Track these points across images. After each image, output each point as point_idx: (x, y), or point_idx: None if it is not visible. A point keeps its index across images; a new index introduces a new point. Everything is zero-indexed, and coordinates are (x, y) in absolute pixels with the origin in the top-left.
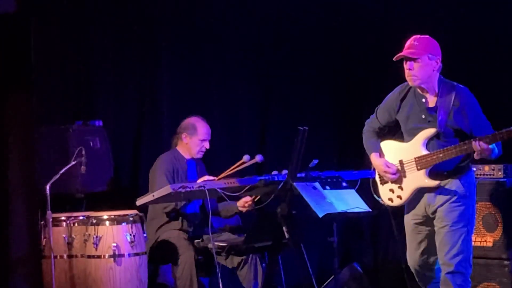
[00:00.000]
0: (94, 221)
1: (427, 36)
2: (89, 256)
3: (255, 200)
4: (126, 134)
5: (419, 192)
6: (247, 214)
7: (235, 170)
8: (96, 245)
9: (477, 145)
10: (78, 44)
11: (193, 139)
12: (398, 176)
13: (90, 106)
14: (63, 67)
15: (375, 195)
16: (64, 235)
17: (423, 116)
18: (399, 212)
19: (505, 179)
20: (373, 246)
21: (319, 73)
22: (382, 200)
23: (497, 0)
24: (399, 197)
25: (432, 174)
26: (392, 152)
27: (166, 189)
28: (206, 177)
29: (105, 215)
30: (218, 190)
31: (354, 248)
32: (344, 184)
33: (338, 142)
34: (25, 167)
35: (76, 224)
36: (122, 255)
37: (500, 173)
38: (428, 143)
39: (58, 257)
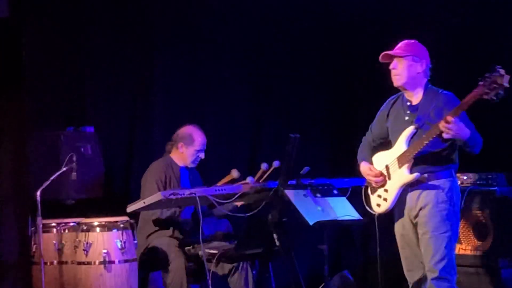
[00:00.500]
0: (85, 228)
1: (415, 40)
2: (79, 263)
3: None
4: (117, 140)
5: (403, 195)
6: (238, 221)
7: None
8: (87, 252)
9: (443, 122)
10: (70, 50)
11: (189, 149)
12: (384, 180)
13: (81, 112)
14: (55, 73)
15: (366, 206)
16: (54, 242)
17: (406, 118)
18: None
19: (495, 188)
20: (363, 254)
21: (311, 81)
22: (372, 209)
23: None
24: (385, 199)
25: (413, 171)
26: (381, 160)
27: (157, 196)
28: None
29: (95, 221)
30: (209, 197)
31: (344, 256)
32: (335, 191)
33: (329, 149)
34: (16, 173)
35: (66, 231)
36: (113, 262)
37: (490, 182)
38: (410, 143)
39: (48, 263)
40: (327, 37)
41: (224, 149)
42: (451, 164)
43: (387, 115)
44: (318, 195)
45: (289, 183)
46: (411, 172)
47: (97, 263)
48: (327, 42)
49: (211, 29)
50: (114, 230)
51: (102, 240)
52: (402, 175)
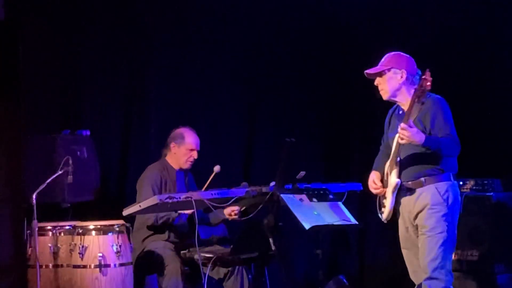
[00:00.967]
0: (80, 231)
1: (398, 52)
2: (74, 266)
3: (242, 210)
4: (113, 143)
5: (403, 199)
6: (234, 225)
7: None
8: (82, 255)
9: (399, 128)
10: (65, 54)
11: (181, 149)
12: (384, 189)
13: (77, 116)
14: (51, 76)
15: (378, 213)
16: (50, 245)
17: (399, 126)
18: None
19: (491, 194)
20: (359, 259)
21: (306, 85)
22: (381, 217)
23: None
24: (384, 206)
25: (405, 174)
26: (385, 169)
27: (153, 200)
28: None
29: (91, 225)
30: (205, 200)
31: (340, 261)
32: (331, 196)
33: (325, 154)
34: (11, 176)
35: (62, 234)
36: (108, 265)
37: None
38: (399, 149)
39: (44, 266)
40: (322, 42)
41: (219, 153)
42: (447, 167)
43: (388, 124)
44: (314, 199)
45: (285, 187)
46: (399, 177)
47: (92, 266)
48: (322, 47)
49: (206, 33)
50: (110, 234)
51: (98, 244)
52: (391, 182)
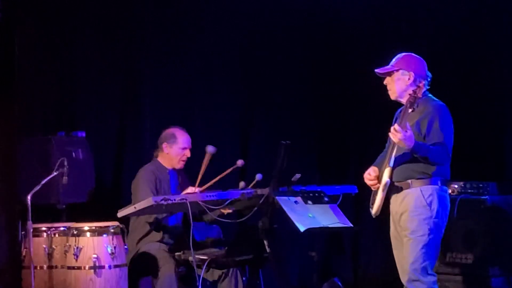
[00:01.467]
0: (75, 232)
1: (409, 53)
2: (69, 267)
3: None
4: (108, 145)
5: (392, 199)
6: (229, 228)
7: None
8: (77, 256)
9: (392, 129)
10: (61, 55)
11: (174, 148)
12: (378, 185)
13: (72, 117)
14: (46, 78)
15: (370, 208)
16: (44, 246)
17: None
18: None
19: (486, 197)
20: (354, 261)
21: (302, 87)
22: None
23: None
24: (373, 203)
25: (396, 174)
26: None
27: (148, 201)
28: (190, 189)
29: (86, 226)
30: (200, 203)
31: (335, 263)
32: (326, 199)
33: (320, 156)
34: (6, 177)
35: (56, 235)
36: (103, 267)
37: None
38: (395, 150)
39: (38, 267)
40: (317, 45)
41: (214, 155)
42: (436, 172)
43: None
44: (309, 202)
45: (280, 190)
46: (390, 177)
47: (87, 267)
48: (317, 50)
49: (201, 34)
50: (105, 235)
51: (92, 245)
52: (382, 180)
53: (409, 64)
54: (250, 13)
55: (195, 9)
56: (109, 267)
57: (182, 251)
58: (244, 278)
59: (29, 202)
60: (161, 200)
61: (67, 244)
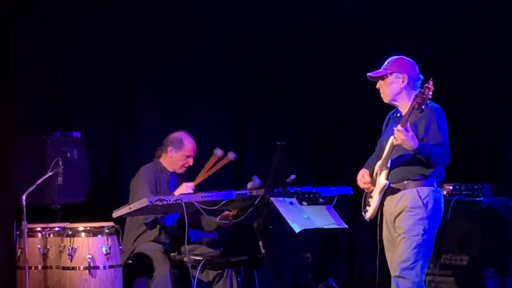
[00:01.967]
0: (70, 233)
1: (401, 56)
2: (64, 268)
3: (233, 214)
4: (104, 145)
5: (386, 201)
6: (224, 228)
7: (210, 169)
8: (71, 257)
9: (395, 129)
10: (57, 55)
11: (178, 154)
12: (372, 187)
13: (68, 117)
14: (42, 78)
15: (362, 212)
16: (39, 246)
17: (394, 128)
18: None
19: (481, 199)
20: (349, 263)
21: (298, 88)
22: (364, 214)
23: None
24: (369, 205)
25: (391, 175)
26: (376, 169)
27: (143, 202)
28: (185, 184)
29: (80, 226)
30: (195, 203)
31: (330, 264)
32: (321, 200)
33: (316, 157)
34: (1, 177)
35: (51, 235)
36: (97, 267)
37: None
38: (392, 151)
39: (33, 268)
40: (313, 45)
41: (209, 156)
42: (432, 174)
43: (385, 127)
44: (304, 203)
45: (275, 190)
46: (387, 178)
47: (81, 268)
48: (313, 50)
49: (198, 36)
50: (99, 236)
51: (87, 245)
52: (379, 182)
53: (402, 67)
54: (248, 13)
55: (192, 9)
56: (104, 267)
57: (177, 252)
58: (239, 279)
59: (24, 202)
60: (156, 200)
61: (62, 244)
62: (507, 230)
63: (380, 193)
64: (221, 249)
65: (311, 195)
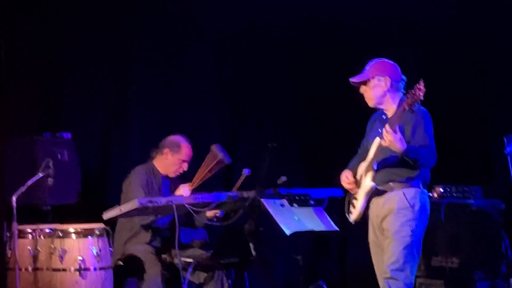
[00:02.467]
0: (60, 234)
1: (382, 58)
2: (54, 269)
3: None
4: (94, 146)
5: (372, 203)
6: (215, 230)
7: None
8: (62, 258)
9: (384, 130)
10: (47, 56)
11: (174, 157)
12: (356, 188)
13: (58, 118)
14: (32, 78)
15: (346, 214)
16: (29, 248)
17: (380, 130)
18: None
19: (472, 201)
20: (339, 265)
21: (289, 90)
22: (348, 217)
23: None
24: (354, 207)
25: (377, 178)
26: (359, 170)
27: (134, 204)
28: (182, 186)
29: (71, 228)
30: (186, 205)
31: (320, 266)
32: (312, 202)
33: (307, 159)
34: None
35: (42, 237)
36: (88, 269)
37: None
38: (378, 153)
39: (23, 269)
40: (303, 48)
41: (200, 157)
42: (418, 176)
43: (370, 128)
44: (295, 205)
45: (266, 192)
46: (373, 180)
47: (72, 270)
48: (303, 53)
49: (188, 38)
50: (90, 237)
51: (78, 247)
52: (365, 184)
53: (383, 69)
54: (239, 13)
55: (184, 9)
56: (95, 269)
57: (168, 254)
58: (229, 281)
59: (14, 204)
60: (147, 202)
61: (52, 246)
62: (498, 232)
63: (366, 195)
64: (212, 251)
65: (302, 197)
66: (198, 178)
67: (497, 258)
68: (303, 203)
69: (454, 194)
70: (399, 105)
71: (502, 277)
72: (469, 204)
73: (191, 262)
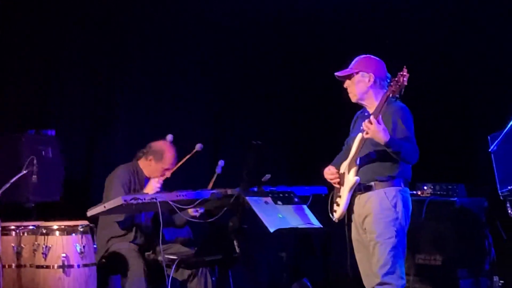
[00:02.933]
0: (44, 231)
1: (368, 55)
2: (38, 266)
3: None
4: (78, 144)
5: (354, 201)
6: (199, 227)
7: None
8: (46, 255)
9: (366, 121)
10: (33, 53)
11: (158, 165)
12: (340, 186)
13: (43, 115)
14: (17, 76)
15: (330, 213)
16: (13, 245)
17: (362, 127)
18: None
19: (455, 199)
20: (323, 262)
21: (274, 88)
22: (332, 216)
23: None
24: (338, 205)
25: (358, 175)
26: (342, 168)
27: (118, 201)
28: (152, 181)
29: (55, 225)
30: (170, 202)
31: (304, 264)
32: (296, 199)
33: (291, 157)
34: None
35: (25, 234)
36: (72, 266)
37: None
38: (360, 149)
39: (7, 266)
40: (288, 47)
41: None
42: (400, 174)
43: (353, 126)
44: (279, 202)
45: (250, 190)
46: (356, 175)
47: (55, 267)
48: (288, 52)
49: (173, 38)
50: (74, 234)
51: (61, 244)
52: (349, 179)
53: (368, 65)
54: (221, 15)
55: (166, 13)
56: (78, 266)
57: (151, 251)
58: (213, 278)
59: None
60: (131, 199)
61: (36, 243)
62: (481, 230)
63: (349, 190)
64: (196, 248)
65: (286, 195)
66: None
67: (481, 255)
68: (287, 200)
69: (438, 192)
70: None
71: (485, 275)
72: (453, 202)
73: (175, 259)
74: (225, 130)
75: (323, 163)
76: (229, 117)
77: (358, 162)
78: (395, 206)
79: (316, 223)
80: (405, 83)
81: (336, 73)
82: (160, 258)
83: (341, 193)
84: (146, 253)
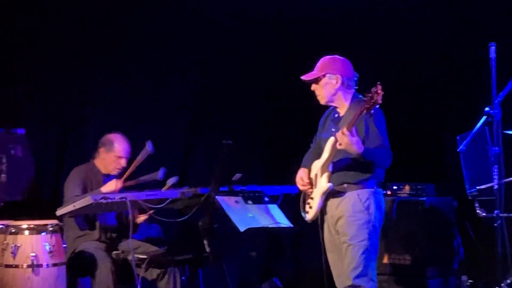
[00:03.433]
0: (13, 230)
1: (333, 56)
2: (6, 266)
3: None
4: (49, 143)
5: (327, 203)
6: (169, 227)
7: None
8: (14, 255)
9: (339, 133)
10: (3, 51)
11: (110, 155)
12: (311, 188)
13: (13, 114)
14: None
15: (302, 213)
16: None
17: (333, 129)
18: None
19: (425, 198)
20: (293, 262)
21: (246, 88)
22: (305, 216)
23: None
24: (311, 207)
25: (331, 179)
26: (314, 169)
27: (87, 200)
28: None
29: (24, 224)
30: (140, 202)
31: (275, 263)
32: (266, 198)
33: (262, 157)
34: None
35: None
36: (41, 265)
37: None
38: (332, 154)
39: None
40: (258, 47)
41: (156, 155)
42: (372, 175)
43: (323, 125)
44: (250, 202)
45: (220, 189)
46: (329, 181)
47: (24, 266)
48: (259, 52)
49: (146, 40)
50: (43, 233)
51: (31, 243)
52: (321, 185)
53: (334, 67)
54: (194, 16)
55: (141, 16)
56: (47, 265)
57: (121, 250)
58: (183, 277)
59: None
60: (101, 198)
61: (5, 242)
62: (450, 229)
63: (322, 195)
64: (165, 247)
65: (256, 194)
66: (129, 172)
67: (450, 255)
68: (257, 200)
69: (407, 192)
70: (352, 101)
71: (454, 274)
72: (422, 202)
73: (145, 259)
74: (197, 129)
75: (293, 162)
76: (201, 117)
77: (331, 168)
78: (368, 208)
79: (286, 223)
80: (380, 101)
81: (302, 77)
82: (129, 257)
83: (313, 196)
84: (115, 252)
